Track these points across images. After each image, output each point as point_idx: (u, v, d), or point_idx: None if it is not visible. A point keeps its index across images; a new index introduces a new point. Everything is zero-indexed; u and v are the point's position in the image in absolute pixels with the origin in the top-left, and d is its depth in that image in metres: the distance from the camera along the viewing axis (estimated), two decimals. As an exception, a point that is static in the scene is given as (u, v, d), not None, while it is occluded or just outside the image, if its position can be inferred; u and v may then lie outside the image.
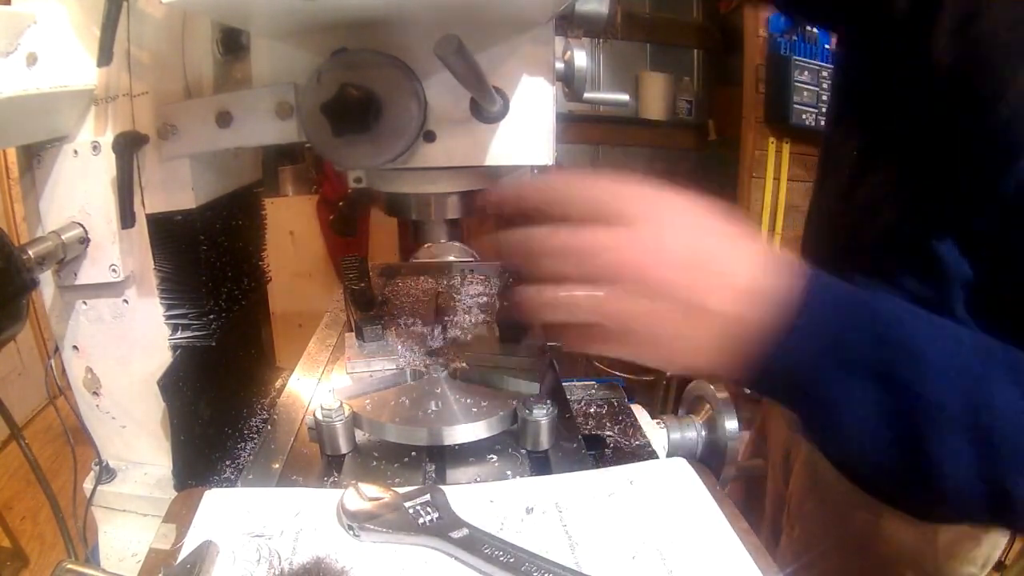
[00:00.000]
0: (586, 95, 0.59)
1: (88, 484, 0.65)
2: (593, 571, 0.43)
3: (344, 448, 0.57)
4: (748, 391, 0.53)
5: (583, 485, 0.52)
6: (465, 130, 0.51)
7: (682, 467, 0.55)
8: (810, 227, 0.86)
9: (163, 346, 0.61)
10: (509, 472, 0.55)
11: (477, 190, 0.60)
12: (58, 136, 0.55)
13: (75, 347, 0.61)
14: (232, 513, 0.48)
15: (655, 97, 2.89)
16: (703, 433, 0.68)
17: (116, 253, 0.57)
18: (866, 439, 0.46)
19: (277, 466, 0.57)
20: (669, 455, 0.66)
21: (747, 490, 1.01)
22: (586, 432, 0.66)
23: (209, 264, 0.62)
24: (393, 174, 0.57)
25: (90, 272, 0.57)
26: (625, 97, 0.69)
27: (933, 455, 0.44)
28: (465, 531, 0.45)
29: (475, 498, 0.50)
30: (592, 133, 2.97)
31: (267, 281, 0.80)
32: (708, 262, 0.45)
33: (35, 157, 0.55)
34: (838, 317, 0.45)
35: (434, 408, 0.58)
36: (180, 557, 0.43)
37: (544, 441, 0.57)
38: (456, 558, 0.44)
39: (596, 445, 0.64)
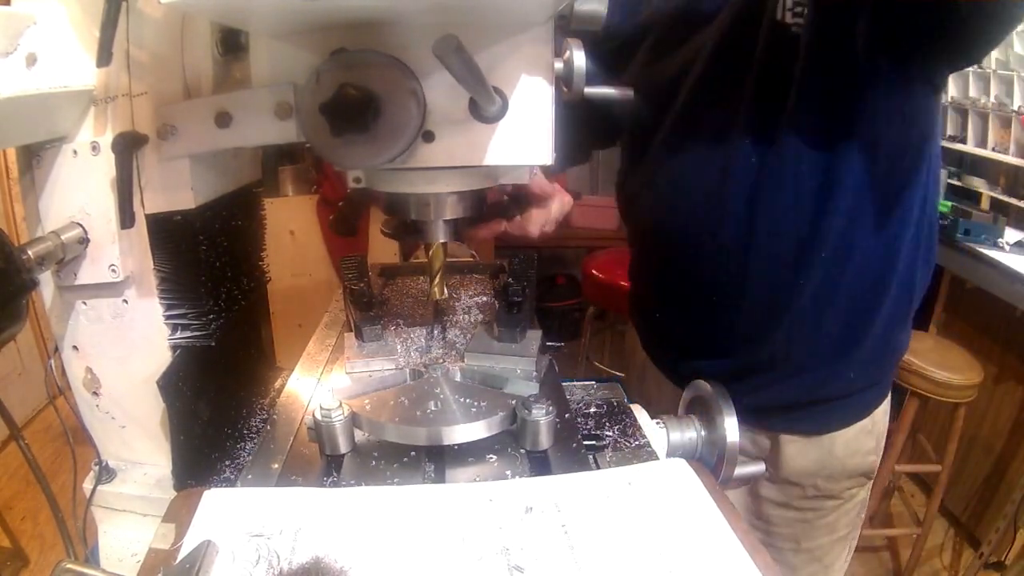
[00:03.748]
0: (588, 90, 0.59)
1: (88, 484, 0.65)
2: (592, 571, 0.43)
3: (344, 448, 0.57)
4: None
5: (582, 486, 0.52)
6: (464, 130, 0.51)
7: (681, 468, 0.55)
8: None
9: (163, 346, 0.61)
10: (508, 472, 0.55)
11: (476, 190, 0.60)
12: (58, 136, 0.55)
13: (75, 347, 0.61)
14: (231, 513, 0.48)
15: (655, 97, 2.88)
16: (703, 433, 0.68)
17: (116, 253, 0.57)
18: None
19: (277, 466, 0.57)
20: (669, 455, 0.66)
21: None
22: (586, 432, 0.66)
23: (209, 264, 0.62)
24: (392, 174, 0.57)
25: (90, 272, 0.57)
26: (630, 92, 0.68)
27: None
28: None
29: (474, 498, 0.50)
30: (592, 133, 2.96)
31: (267, 281, 0.80)
32: None
33: (35, 157, 0.55)
34: None
35: (433, 408, 0.58)
36: (180, 557, 0.43)
37: (543, 441, 0.57)
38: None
39: (596, 445, 0.64)
